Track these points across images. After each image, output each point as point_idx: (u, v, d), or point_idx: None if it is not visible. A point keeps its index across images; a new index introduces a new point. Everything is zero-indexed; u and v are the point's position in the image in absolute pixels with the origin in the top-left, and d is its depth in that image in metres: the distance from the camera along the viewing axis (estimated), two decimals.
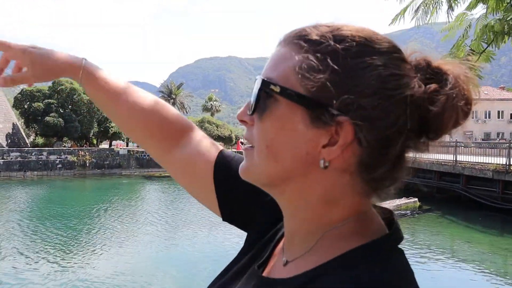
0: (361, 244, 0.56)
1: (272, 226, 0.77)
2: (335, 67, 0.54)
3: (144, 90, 0.93)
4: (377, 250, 0.56)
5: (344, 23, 0.60)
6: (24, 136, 40.38)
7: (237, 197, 0.83)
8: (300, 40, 0.57)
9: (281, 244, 0.70)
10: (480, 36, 3.42)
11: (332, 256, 0.56)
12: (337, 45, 0.55)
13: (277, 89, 0.56)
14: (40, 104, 36.41)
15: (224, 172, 0.84)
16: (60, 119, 35.81)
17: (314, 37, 0.57)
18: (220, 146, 0.90)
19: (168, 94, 65.84)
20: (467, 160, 18.75)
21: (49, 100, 36.79)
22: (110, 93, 0.87)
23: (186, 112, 67.72)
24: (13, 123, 38.44)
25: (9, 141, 36.38)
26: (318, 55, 0.55)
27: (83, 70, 0.86)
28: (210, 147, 0.88)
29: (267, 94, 0.57)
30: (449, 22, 3.95)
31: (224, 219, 0.86)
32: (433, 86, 0.56)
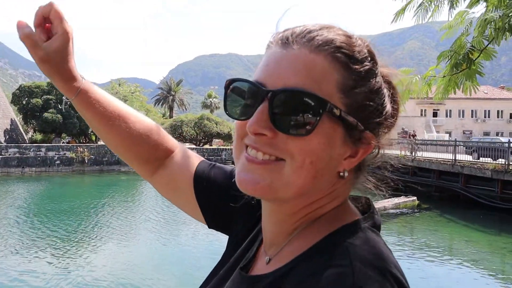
0: (339, 227, 0.59)
1: (252, 228, 0.78)
2: (368, 87, 0.58)
3: (138, 112, 0.92)
4: (355, 230, 0.58)
5: (355, 30, 0.62)
6: (23, 132, 40.29)
7: (216, 204, 0.86)
8: (340, 53, 0.57)
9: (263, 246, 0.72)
10: (481, 32, 3.37)
11: (311, 243, 0.58)
12: (370, 65, 0.59)
13: (338, 112, 0.55)
14: (39, 100, 36.32)
15: (203, 182, 0.87)
16: (59, 115, 35.73)
17: (356, 54, 0.58)
18: (200, 157, 0.93)
19: (168, 90, 65.75)
20: (466, 159, 18.73)
21: (48, 96, 36.68)
22: (103, 119, 0.85)
23: (186, 109, 67.62)
24: (11, 119, 38.35)
25: (7, 137, 36.31)
26: (359, 74, 0.57)
27: (79, 93, 0.82)
28: (191, 161, 0.91)
29: (315, 110, 0.55)
30: (449, 20, 3.91)
31: (209, 227, 0.90)
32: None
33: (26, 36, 0.74)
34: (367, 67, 0.58)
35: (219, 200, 0.85)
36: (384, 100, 0.60)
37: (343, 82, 0.56)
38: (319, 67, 0.55)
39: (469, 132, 51.35)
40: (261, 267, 0.66)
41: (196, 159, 0.92)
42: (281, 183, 0.56)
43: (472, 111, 52.25)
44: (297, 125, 0.54)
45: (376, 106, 0.59)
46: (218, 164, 0.91)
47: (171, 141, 0.93)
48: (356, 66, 0.57)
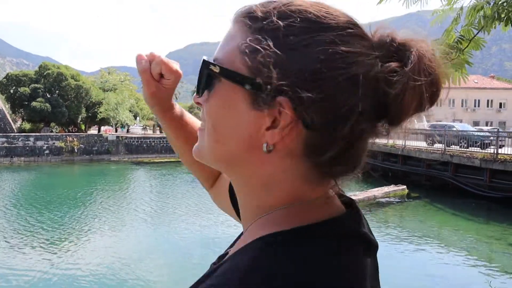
0: (276, 231, 0.51)
1: None
2: (274, 45, 0.51)
3: None
4: (291, 238, 0.50)
5: None
6: (11, 121, 39.75)
7: None
8: (246, 18, 0.55)
9: None
10: (471, 21, 3.31)
11: (244, 244, 0.54)
12: (280, 22, 0.52)
13: (217, 69, 0.54)
14: (27, 88, 35.78)
15: None
16: (47, 104, 35.28)
17: (259, 14, 0.54)
18: None
19: None
20: (456, 148, 18.85)
21: (36, 85, 36.16)
22: (189, 141, 0.90)
23: (176, 98, 67.14)
24: None
25: None
26: (259, 33, 0.53)
27: (172, 120, 0.91)
28: None
29: (210, 74, 0.55)
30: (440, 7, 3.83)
31: None
32: (392, 64, 0.50)
33: (144, 71, 0.79)
34: (271, 26, 0.52)
35: None
36: (301, 60, 0.50)
37: (243, 44, 0.53)
38: (228, 35, 0.56)
39: (459, 121, 51.73)
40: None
41: None
42: (202, 147, 0.60)
43: (462, 100, 52.59)
44: (201, 89, 0.58)
45: (290, 66, 0.50)
46: None
47: None
48: (258, 26, 0.53)
